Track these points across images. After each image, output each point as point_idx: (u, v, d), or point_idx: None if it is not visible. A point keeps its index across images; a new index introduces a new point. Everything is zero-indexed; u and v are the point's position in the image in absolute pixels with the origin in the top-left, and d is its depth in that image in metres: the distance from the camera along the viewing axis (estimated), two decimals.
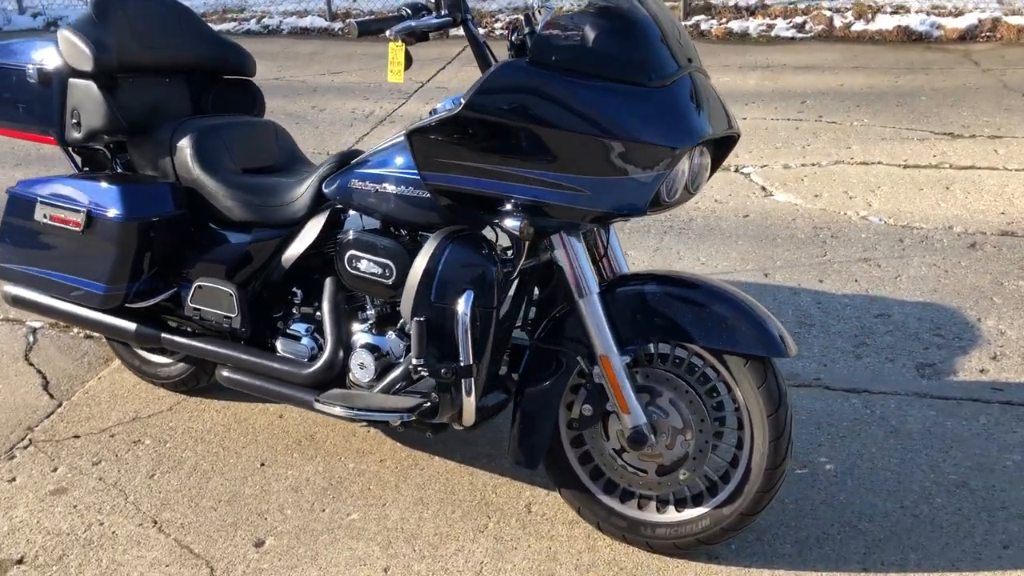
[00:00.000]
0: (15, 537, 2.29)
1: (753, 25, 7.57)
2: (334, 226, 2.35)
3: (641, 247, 3.77)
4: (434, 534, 2.25)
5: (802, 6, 7.79)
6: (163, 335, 2.55)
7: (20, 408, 2.84)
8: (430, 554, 2.19)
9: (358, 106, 5.97)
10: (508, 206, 1.98)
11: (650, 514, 2.15)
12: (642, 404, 2.06)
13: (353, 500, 2.38)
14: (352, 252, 2.22)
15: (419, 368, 2.03)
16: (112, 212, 2.38)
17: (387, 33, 1.95)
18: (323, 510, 2.35)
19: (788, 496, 2.32)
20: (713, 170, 2.13)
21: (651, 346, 2.10)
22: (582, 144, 1.85)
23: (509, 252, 2.12)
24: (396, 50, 1.95)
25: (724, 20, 7.72)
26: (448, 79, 6.53)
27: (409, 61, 1.96)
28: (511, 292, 2.19)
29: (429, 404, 2.11)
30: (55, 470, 2.54)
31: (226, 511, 2.36)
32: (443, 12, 1.99)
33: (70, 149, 2.71)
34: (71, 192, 2.45)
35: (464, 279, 2.02)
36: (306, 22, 8.28)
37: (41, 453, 2.62)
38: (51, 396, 2.90)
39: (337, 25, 8.19)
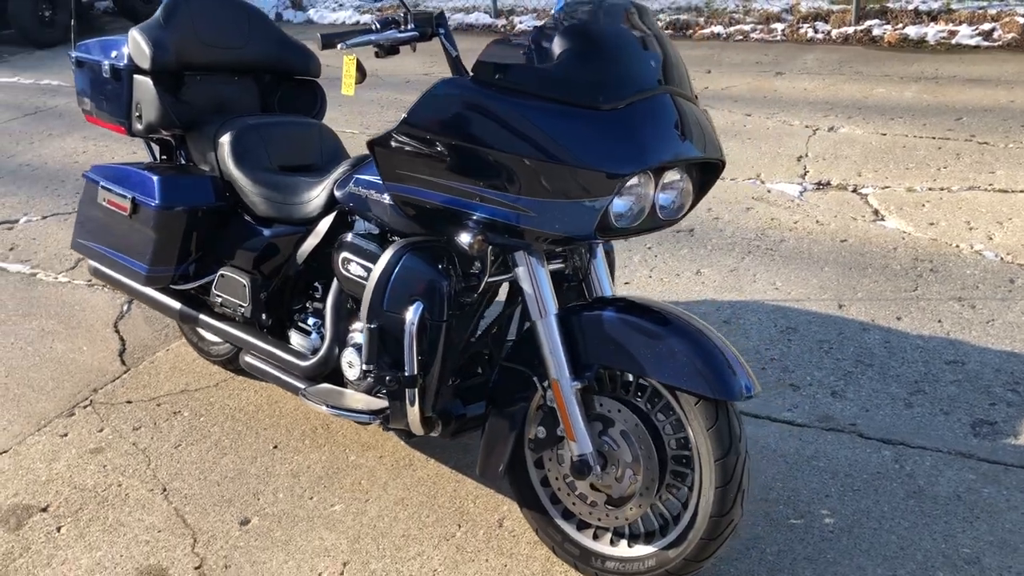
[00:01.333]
0: (48, 487, 2.55)
1: (932, 31, 7.01)
2: (349, 227, 2.43)
3: (717, 266, 3.62)
4: (402, 535, 2.30)
5: (993, 11, 7.13)
6: (201, 316, 2.73)
7: (94, 370, 3.13)
8: (391, 555, 2.24)
9: None
10: (466, 221, 1.98)
11: (603, 545, 2.10)
12: (594, 433, 2.02)
13: (341, 492, 2.47)
14: (344, 254, 2.30)
15: (367, 375, 2.07)
16: (152, 200, 2.58)
17: (338, 47, 2.00)
18: (311, 498, 2.45)
19: (770, 545, 2.20)
20: (700, 195, 2.04)
21: (618, 374, 2.04)
22: (522, 166, 1.82)
23: (476, 266, 2.12)
24: (349, 63, 2.00)
25: (900, 25, 7.21)
26: None
27: (362, 74, 2.00)
28: (479, 305, 2.19)
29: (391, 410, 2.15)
30: (101, 431, 2.80)
31: (228, 487, 2.51)
32: (409, 27, 2.01)
33: (148, 139, 2.96)
34: (123, 180, 2.67)
35: (415, 289, 2.05)
36: (472, 18, 8.48)
37: (95, 414, 2.88)
38: (123, 362, 3.18)
39: (500, 22, 8.34)
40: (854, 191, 4.28)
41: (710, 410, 1.88)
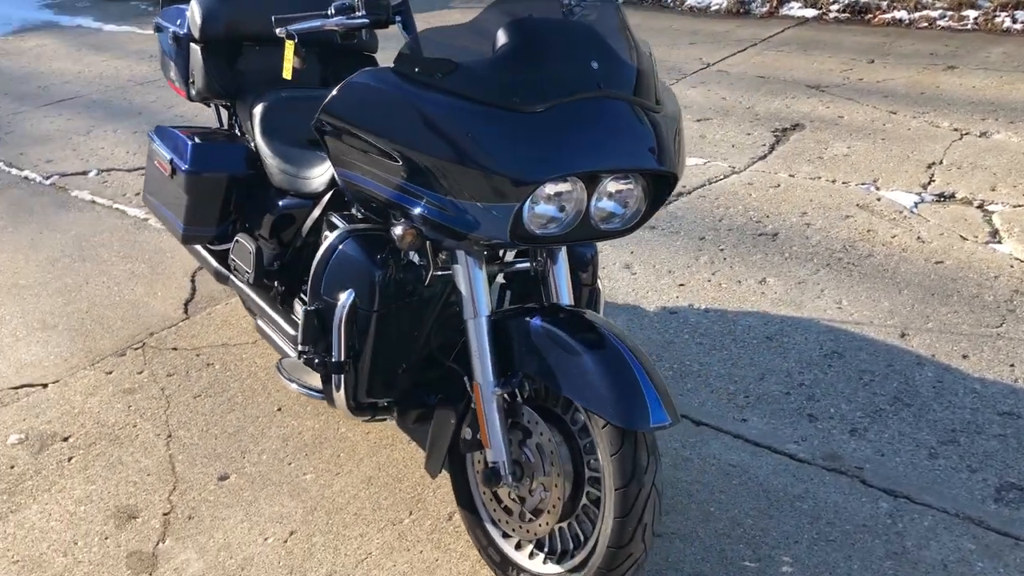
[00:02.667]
0: (76, 419, 2.79)
1: None
2: (347, 207, 2.47)
3: (786, 276, 3.39)
4: (354, 514, 2.35)
5: None
6: (230, 277, 2.88)
7: (157, 315, 3.38)
8: (335, 531, 2.29)
9: None
10: (403, 213, 1.96)
11: (522, 557, 2.06)
12: (515, 442, 1.96)
13: (318, 462, 2.54)
14: (325, 233, 2.34)
15: (301, 355, 2.11)
16: (184, 164, 2.73)
17: (276, 30, 2.01)
18: (290, 463, 2.55)
19: None
20: (653, 209, 1.92)
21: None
22: (435, 164, 1.78)
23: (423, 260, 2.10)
24: (288, 47, 2.01)
25: None
26: (738, 63, 6.19)
27: (301, 60, 2.00)
28: (437, 298, 2.16)
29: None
30: (140, 372, 3.02)
31: (222, 442, 2.65)
32: (359, 13, 1.99)
33: (214, 104, 3.12)
34: (169, 142, 2.84)
35: (349, 277, 2.06)
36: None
37: (141, 357, 3.11)
38: (185, 311, 3.41)
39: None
40: (979, 207, 3.85)
41: (616, 436, 1.79)
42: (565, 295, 2.11)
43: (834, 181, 4.17)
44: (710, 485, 2.39)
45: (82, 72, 6.96)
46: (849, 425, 2.58)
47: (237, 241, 2.73)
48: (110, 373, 3.03)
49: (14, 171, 4.91)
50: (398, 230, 1.95)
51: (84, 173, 4.84)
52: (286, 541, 2.27)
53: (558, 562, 1.98)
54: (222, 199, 2.80)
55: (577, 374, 1.80)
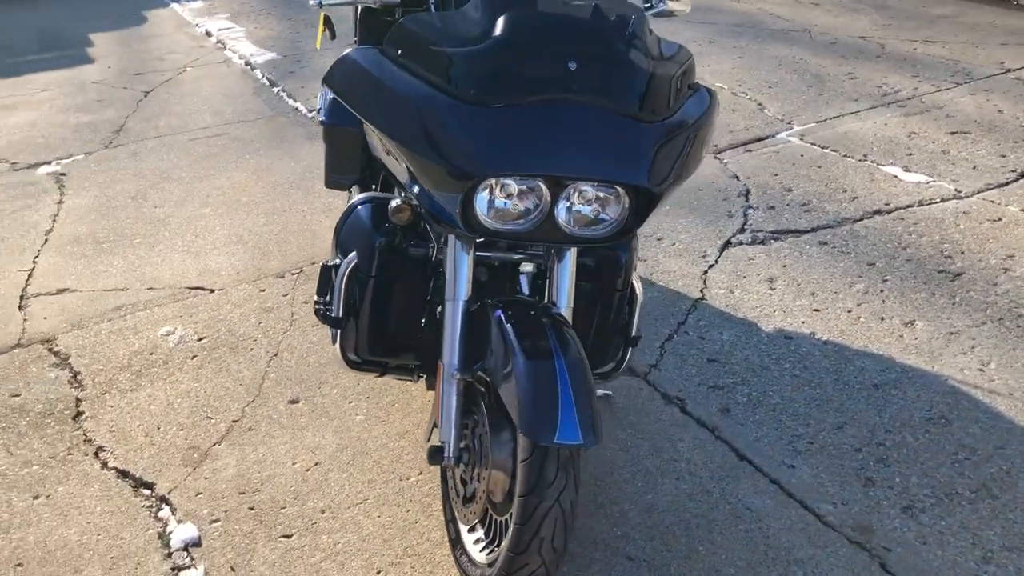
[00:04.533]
0: (217, 324, 3.22)
1: None
2: None
3: (940, 323, 2.99)
4: (375, 461, 2.52)
5: None
6: None
7: (327, 248, 3.74)
8: (350, 472, 2.49)
9: (891, 81, 5.34)
10: (400, 187, 2.04)
11: (468, 539, 2.12)
12: (469, 427, 2.01)
13: (372, 406, 2.74)
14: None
15: (315, 304, 2.28)
16: (322, 116, 3.00)
17: (310, 2, 2.12)
18: (350, 402, 2.77)
19: None
20: (634, 224, 1.84)
21: None
22: (395, 147, 1.84)
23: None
24: (321, 19, 2.11)
25: None
26: None
27: (331, 31, 2.10)
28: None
29: None
30: (285, 295, 3.39)
31: (310, 370, 2.94)
32: None
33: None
34: (323, 94, 3.13)
35: (356, 240, 2.17)
36: None
37: (293, 281, 3.49)
38: None
39: None
40: None
41: (527, 443, 1.78)
42: (564, 296, 2.08)
43: None
44: (713, 524, 2.25)
45: None
46: (907, 501, 2.29)
47: (350, 192, 2.95)
48: (263, 291, 3.43)
49: (290, 102, 5.58)
50: (393, 204, 2.05)
51: None
52: (308, 470, 2.50)
53: (486, 550, 2.01)
54: (359, 150, 3.03)
55: (508, 376, 1.81)
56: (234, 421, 2.71)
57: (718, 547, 2.19)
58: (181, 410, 2.77)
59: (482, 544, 2.07)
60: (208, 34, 7.28)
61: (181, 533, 2.31)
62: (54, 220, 4.08)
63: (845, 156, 4.26)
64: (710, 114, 1.97)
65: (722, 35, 6.19)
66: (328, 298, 2.27)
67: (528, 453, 1.77)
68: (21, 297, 3.45)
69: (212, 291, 3.43)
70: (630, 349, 2.33)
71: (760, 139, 4.52)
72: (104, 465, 2.56)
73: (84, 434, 2.68)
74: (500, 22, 1.76)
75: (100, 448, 2.62)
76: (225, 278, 3.52)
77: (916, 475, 2.37)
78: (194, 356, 3.04)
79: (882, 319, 3.03)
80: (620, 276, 2.22)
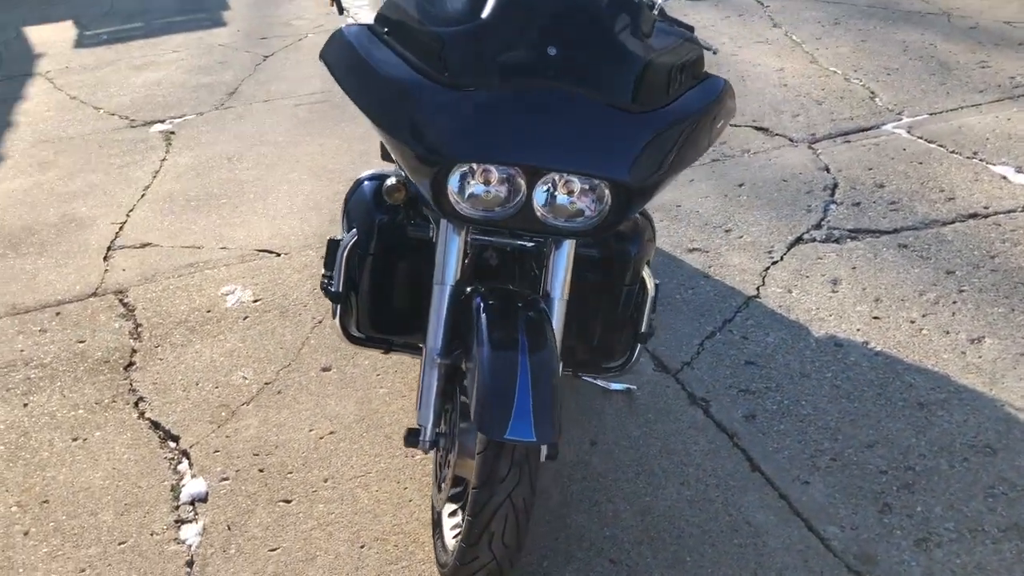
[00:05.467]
0: (274, 287, 3.33)
1: None
2: None
3: (1014, 342, 2.74)
4: (386, 435, 2.56)
5: None
6: None
7: None
8: (360, 444, 2.53)
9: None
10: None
11: (446, 523, 2.11)
12: (448, 413, 2.00)
13: (398, 380, 2.77)
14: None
15: (323, 277, 2.30)
16: None
17: None
18: (377, 374, 2.81)
19: None
20: (617, 218, 1.77)
21: None
22: (371, 124, 1.83)
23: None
24: None
25: None
26: None
27: (338, 6, 2.08)
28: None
29: None
30: (323, 257, 3.46)
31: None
32: None
33: None
34: None
35: (358, 216, 2.18)
36: None
37: None
38: None
39: None
40: None
41: (484, 436, 1.75)
42: (558, 287, 2.02)
43: None
44: (707, 535, 2.16)
45: None
46: (923, 532, 2.12)
47: None
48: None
49: None
50: (389, 182, 2.04)
51: None
52: (322, 438, 2.56)
53: (454, 538, 2.00)
54: None
55: (473, 367, 1.78)
56: (266, 383, 2.80)
57: (706, 559, 2.10)
58: (221, 368, 2.88)
59: (457, 531, 2.06)
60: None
61: (192, 487, 2.41)
62: (154, 176, 4.31)
63: (952, 152, 3.95)
64: (716, 105, 1.87)
65: (850, 16, 5.84)
66: (331, 272, 2.30)
67: (484, 445, 1.75)
68: (108, 248, 3.66)
69: (278, 255, 3.54)
70: (639, 346, 2.26)
71: (863, 130, 4.25)
72: (141, 415, 2.70)
73: (130, 384, 2.84)
74: (482, 2, 1.72)
75: (141, 399, 2.77)
76: (293, 243, 3.62)
77: (941, 506, 2.19)
78: (246, 317, 3.15)
79: (947, 333, 2.81)
80: (628, 270, 2.15)
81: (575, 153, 1.68)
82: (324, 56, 2.03)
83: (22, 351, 3.04)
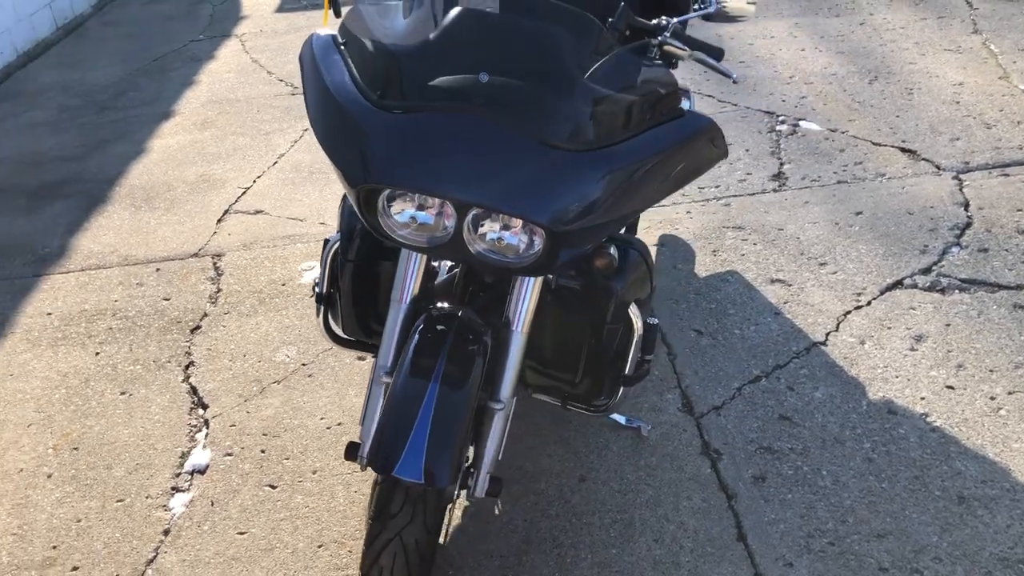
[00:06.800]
0: (306, 270, 3.40)
1: None
2: None
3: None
4: None
5: None
6: None
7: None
8: (332, 439, 2.51)
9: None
10: None
11: None
12: None
13: None
14: None
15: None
16: None
17: None
18: None
19: None
20: (549, 260, 1.67)
21: None
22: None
23: None
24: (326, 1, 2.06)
25: None
26: None
27: (336, 9, 2.03)
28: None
29: None
30: None
31: None
32: None
33: None
34: None
35: (344, 223, 2.16)
36: None
37: None
38: None
39: None
40: None
41: None
42: (520, 317, 1.93)
43: None
44: None
45: None
46: None
47: None
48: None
49: None
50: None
51: None
52: (329, 428, 2.61)
53: None
54: None
55: (388, 398, 1.75)
56: (303, 364, 2.88)
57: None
58: (271, 343, 3.00)
59: None
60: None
61: (197, 458, 2.54)
62: (292, 145, 4.52)
63: None
64: (678, 148, 1.70)
65: None
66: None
67: (381, 477, 1.71)
68: (225, 212, 3.90)
69: None
70: (621, 388, 2.12)
71: None
72: (185, 379, 2.87)
73: (189, 347, 3.02)
74: (425, 21, 1.66)
75: (192, 363, 2.94)
76: None
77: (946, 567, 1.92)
78: (311, 295, 3.25)
79: None
80: (610, 308, 2.02)
81: (488, 188, 1.59)
82: (301, 58, 2.03)
83: (115, 301, 3.30)
